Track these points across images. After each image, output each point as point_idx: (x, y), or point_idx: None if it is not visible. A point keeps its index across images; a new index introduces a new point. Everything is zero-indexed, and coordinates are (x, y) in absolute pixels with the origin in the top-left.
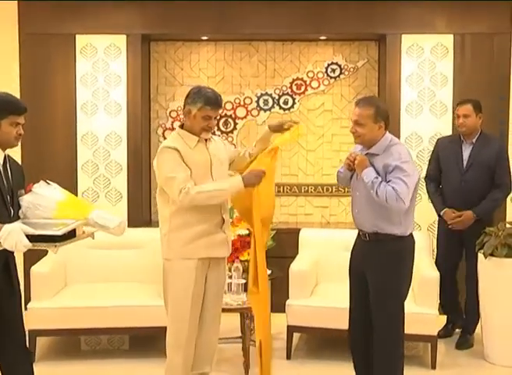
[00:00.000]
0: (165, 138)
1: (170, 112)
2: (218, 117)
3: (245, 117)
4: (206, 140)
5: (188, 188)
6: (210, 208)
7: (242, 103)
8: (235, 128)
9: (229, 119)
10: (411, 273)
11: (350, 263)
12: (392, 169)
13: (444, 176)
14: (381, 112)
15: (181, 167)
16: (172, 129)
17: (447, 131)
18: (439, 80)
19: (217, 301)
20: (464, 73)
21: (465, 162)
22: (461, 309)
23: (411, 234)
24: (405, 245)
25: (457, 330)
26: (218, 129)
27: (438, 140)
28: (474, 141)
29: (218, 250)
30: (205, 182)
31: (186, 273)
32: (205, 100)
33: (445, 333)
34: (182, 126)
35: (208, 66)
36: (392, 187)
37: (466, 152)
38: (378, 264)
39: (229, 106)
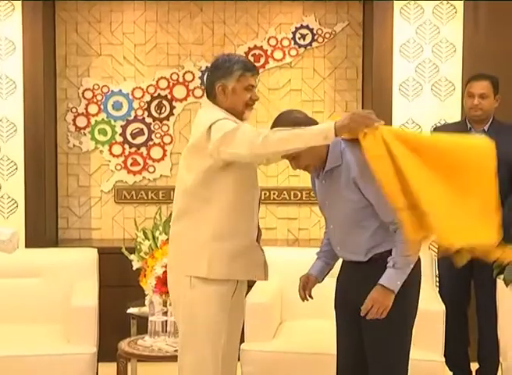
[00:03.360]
0: (76, 127)
1: (84, 92)
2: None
3: (185, 99)
4: None
5: (262, 130)
6: (254, 217)
7: (181, 80)
8: (171, 113)
9: (164, 102)
10: (417, 304)
11: (336, 295)
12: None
13: None
14: None
15: None
16: (87, 115)
17: (455, 117)
18: (444, 50)
19: (238, 333)
20: (476, 41)
21: None
22: (469, 363)
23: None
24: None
25: None
26: (149, 115)
27: (435, 129)
28: (486, 128)
29: (258, 271)
30: (253, 183)
31: (223, 299)
32: (244, 65)
33: None
34: None
35: (135, 29)
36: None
37: None
38: None
39: (163, 84)
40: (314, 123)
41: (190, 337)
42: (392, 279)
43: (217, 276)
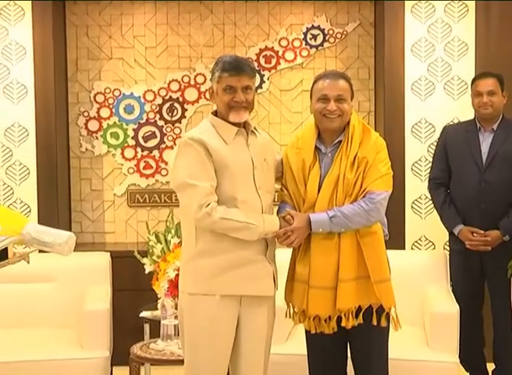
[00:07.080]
0: (88, 130)
1: (95, 96)
2: (249, 88)
3: (197, 101)
4: (247, 132)
5: (212, 208)
6: None
7: (192, 82)
8: (183, 116)
9: (176, 104)
10: None
11: None
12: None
13: (456, 176)
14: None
15: (205, 172)
16: (99, 118)
17: (468, 116)
18: (457, 49)
19: (255, 355)
20: (489, 39)
21: (485, 156)
22: (485, 363)
23: None
24: None
25: None
26: (161, 117)
27: (444, 128)
28: (495, 127)
29: (258, 285)
30: (246, 192)
31: (208, 312)
32: (222, 66)
33: None
34: (216, 114)
35: (145, 32)
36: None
37: (485, 143)
38: None
39: (175, 87)
40: None
41: (182, 344)
42: (320, 223)
43: (198, 291)
